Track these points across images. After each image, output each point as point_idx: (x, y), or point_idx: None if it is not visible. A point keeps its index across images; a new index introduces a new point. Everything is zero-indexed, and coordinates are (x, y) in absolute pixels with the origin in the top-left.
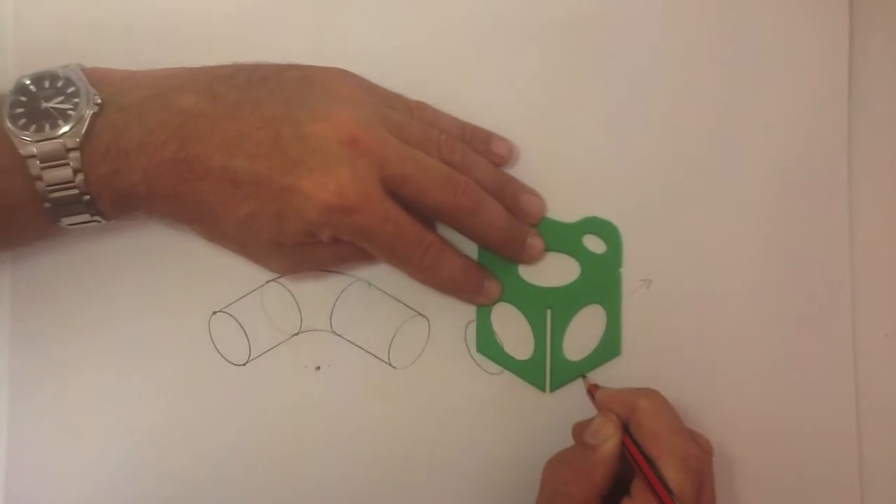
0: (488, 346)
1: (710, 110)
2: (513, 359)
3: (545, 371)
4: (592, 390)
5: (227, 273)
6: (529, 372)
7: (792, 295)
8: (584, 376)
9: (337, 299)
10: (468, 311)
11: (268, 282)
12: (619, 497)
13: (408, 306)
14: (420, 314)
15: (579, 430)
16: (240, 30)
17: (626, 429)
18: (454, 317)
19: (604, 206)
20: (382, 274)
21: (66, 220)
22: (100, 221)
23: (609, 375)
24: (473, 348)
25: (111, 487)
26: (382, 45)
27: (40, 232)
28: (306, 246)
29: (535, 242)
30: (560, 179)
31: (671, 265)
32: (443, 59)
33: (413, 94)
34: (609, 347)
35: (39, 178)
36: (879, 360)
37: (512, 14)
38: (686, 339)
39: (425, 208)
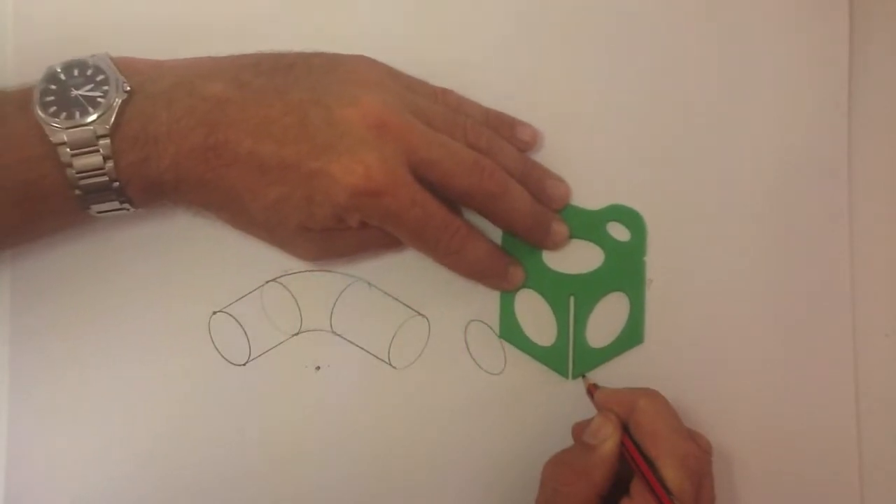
0: (511, 332)
1: (709, 111)
2: (536, 345)
3: (568, 358)
4: (592, 390)
5: (227, 273)
6: (552, 358)
7: (792, 295)
8: (584, 375)
9: (337, 299)
10: (468, 311)
11: (268, 282)
12: (618, 497)
13: (408, 306)
14: (420, 314)
15: (579, 430)
16: (246, 26)
17: (625, 429)
18: (454, 317)
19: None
20: (382, 274)
21: (95, 208)
22: (129, 209)
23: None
24: (473, 348)
25: (111, 486)
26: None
27: (70, 220)
28: (334, 231)
29: (559, 228)
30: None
31: (671, 264)
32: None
33: (436, 82)
34: (632, 335)
35: (70, 165)
36: (879, 360)
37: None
38: (685, 338)
39: (452, 192)
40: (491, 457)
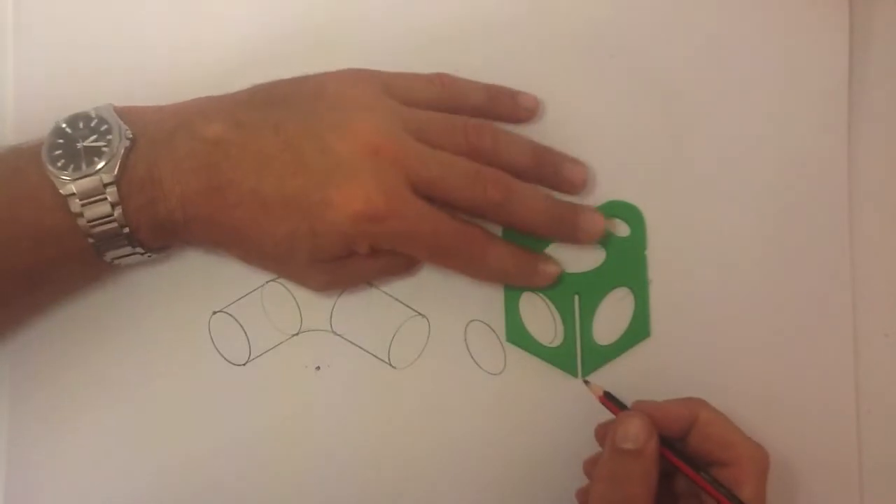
0: (518, 335)
1: (709, 110)
2: (543, 346)
3: (576, 358)
4: (605, 401)
5: (227, 273)
6: (560, 359)
7: (792, 295)
8: (586, 381)
9: (337, 299)
10: (468, 311)
11: (268, 282)
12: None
13: (408, 306)
14: (420, 314)
15: (602, 433)
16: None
17: (663, 440)
18: (454, 317)
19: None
20: None
21: (109, 255)
22: (142, 253)
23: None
24: (473, 348)
25: (111, 487)
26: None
27: (89, 270)
28: (345, 260)
29: (590, 217)
30: None
31: (670, 264)
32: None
33: None
34: (638, 330)
35: (80, 214)
36: (879, 360)
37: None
38: (689, 334)
39: (458, 207)
40: (491, 457)
